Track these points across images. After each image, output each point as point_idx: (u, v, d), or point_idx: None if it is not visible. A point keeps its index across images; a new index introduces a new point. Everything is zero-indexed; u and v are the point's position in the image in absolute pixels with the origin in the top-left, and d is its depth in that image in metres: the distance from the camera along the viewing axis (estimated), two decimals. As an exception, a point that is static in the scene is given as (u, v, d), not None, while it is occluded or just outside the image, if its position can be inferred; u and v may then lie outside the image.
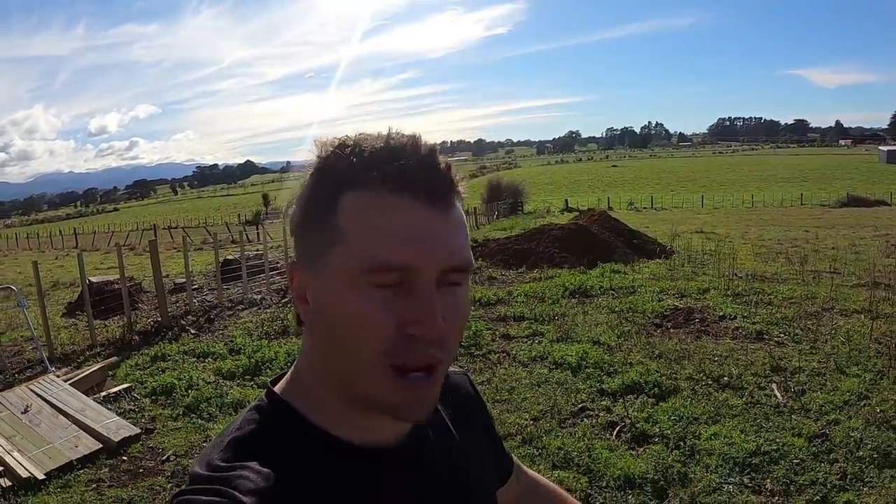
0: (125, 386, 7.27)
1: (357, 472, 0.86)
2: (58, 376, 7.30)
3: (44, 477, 5.17)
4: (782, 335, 8.26)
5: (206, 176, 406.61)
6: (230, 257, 15.88)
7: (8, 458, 5.34)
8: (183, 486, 0.80)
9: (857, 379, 6.55)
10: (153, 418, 6.45)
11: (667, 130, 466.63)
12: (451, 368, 0.95)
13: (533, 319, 9.54)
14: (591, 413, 6.10)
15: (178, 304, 12.13)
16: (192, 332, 10.01)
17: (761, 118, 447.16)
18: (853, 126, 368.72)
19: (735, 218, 37.78)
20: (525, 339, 8.59)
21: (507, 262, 15.72)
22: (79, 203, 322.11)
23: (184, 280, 13.69)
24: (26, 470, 5.20)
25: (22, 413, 6.23)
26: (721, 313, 9.34)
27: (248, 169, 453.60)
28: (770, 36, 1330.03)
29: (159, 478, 5.23)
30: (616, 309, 10.01)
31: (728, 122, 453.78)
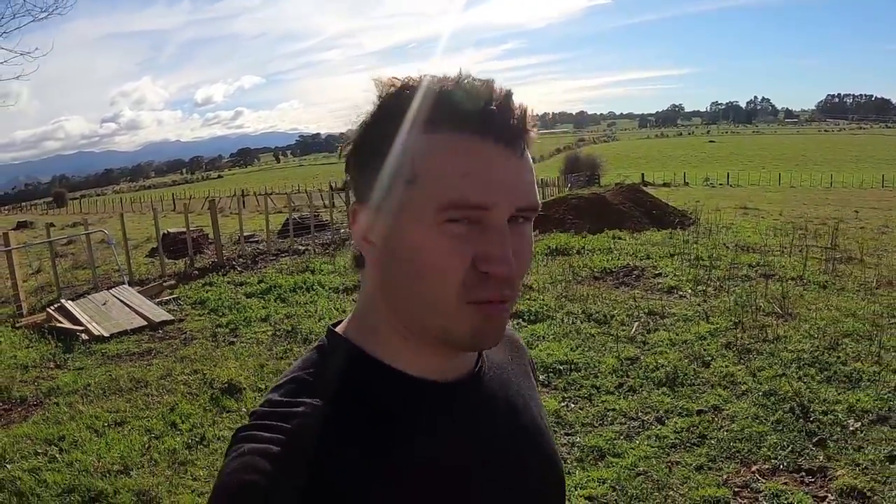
0: (174, 296, 10.36)
1: (419, 405, 0.88)
2: (127, 286, 10.46)
3: (108, 335, 8.17)
4: (691, 291, 9.34)
5: (309, 145, 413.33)
6: (295, 216, 19.02)
7: (90, 326, 8.37)
8: (246, 423, 0.82)
9: (711, 326, 7.57)
10: (187, 315, 9.36)
11: (773, 106, 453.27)
12: None
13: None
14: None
15: (236, 251, 15.24)
16: (239, 269, 13.00)
17: (872, 96, 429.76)
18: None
19: (800, 197, 38.02)
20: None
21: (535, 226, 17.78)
22: (184, 170, 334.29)
23: (249, 233, 17.16)
24: (99, 330, 8.23)
25: (102, 305, 9.30)
26: (660, 272, 10.58)
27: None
28: (886, 7, 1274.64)
29: (176, 340, 8.09)
30: (574, 264, 11.45)
31: (837, 99, 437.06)
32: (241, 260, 13.92)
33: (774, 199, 33.54)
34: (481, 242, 0.79)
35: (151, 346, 7.85)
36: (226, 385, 6.11)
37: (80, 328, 8.39)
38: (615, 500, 4.28)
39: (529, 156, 0.84)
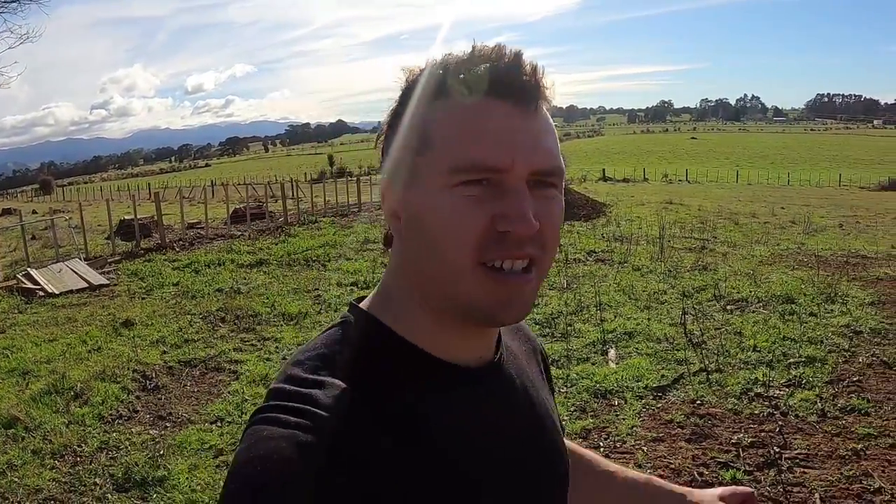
0: (115, 268, 13.48)
1: (442, 387, 0.88)
2: (80, 260, 13.57)
3: (59, 293, 11.23)
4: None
5: (298, 134, 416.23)
6: (238, 206, 22.25)
7: (46, 286, 11.49)
8: (263, 403, 0.81)
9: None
10: (121, 281, 12.40)
11: (763, 104, 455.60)
12: None
13: (381, 241, 14.94)
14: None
15: (179, 235, 18.26)
16: (177, 249, 16.00)
17: (861, 96, 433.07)
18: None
19: (745, 194, 39.79)
20: (362, 251, 14.10)
21: None
22: (173, 158, 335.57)
23: (196, 221, 20.26)
24: (52, 289, 11.32)
25: (58, 272, 12.44)
26: None
27: (340, 128, 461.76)
28: (879, 8, 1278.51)
29: (106, 297, 11.12)
30: None
31: (826, 99, 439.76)
32: (181, 242, 16.90)
33: (711, 196, 35.41)
34: (498, 204, 0.79)
35: (87, 299, 10.90)
36: (124, 320, 9.12)
37: (39, 288, 11.44)
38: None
39: (548, 116, 0.85)
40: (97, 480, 4.97)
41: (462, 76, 0.82)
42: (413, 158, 0.84)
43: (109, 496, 4.77)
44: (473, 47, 0.84)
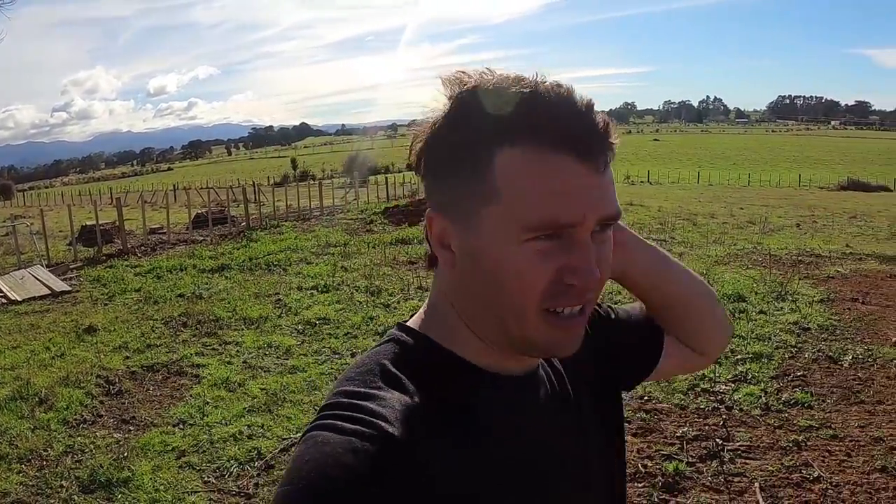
0: (77, 274, 13.54)
1: (492, 392, 0.91)
2: (42, 267, 13.61)
3: (21, 300, 11.27)
4: None
5: (261, 137, 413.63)
6: (200, 211, 22.32)
7: (8, 293, 11.52)
8: (318, 414, 0.82)
9: None
10: (83, 287, 12.47)
11: (725, 106, 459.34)
12: None
13: (342, 246, 15.05)
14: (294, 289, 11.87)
15: (141, 240, 18.29)
16: (139, 255, 16.07)
17: (822, 98, 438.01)
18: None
19: (706, 195, 40.50)
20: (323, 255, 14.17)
21: (400, 220, 20.13)
22: (135, 162, 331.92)
23: (157, 226, 20.28)
24: (14, 296, 11.36)
25: (20, 279, 12.48)
26: None
27: (303, 131, 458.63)
28: (839, 12, 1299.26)
29: (68, 304, 11.18)
30: (402, 251, 14.42)
31: (788, 101, 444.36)
32: (143, 248, 16.96)
33: (672, 197, 36.45)
34: (566, 256, 0.81)
35: (50, 306, 10.96)
36: (87, 327, 9.24)
37: (1, 295, 11.50)
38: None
39: (610, 167, 0.84)
40: (63, 483, 5.11)
41: (538, 125, 0.80)
42: (474, 204, 0.83)
43: (76, 497, 4.92)
44: (543, 86, 0.82)
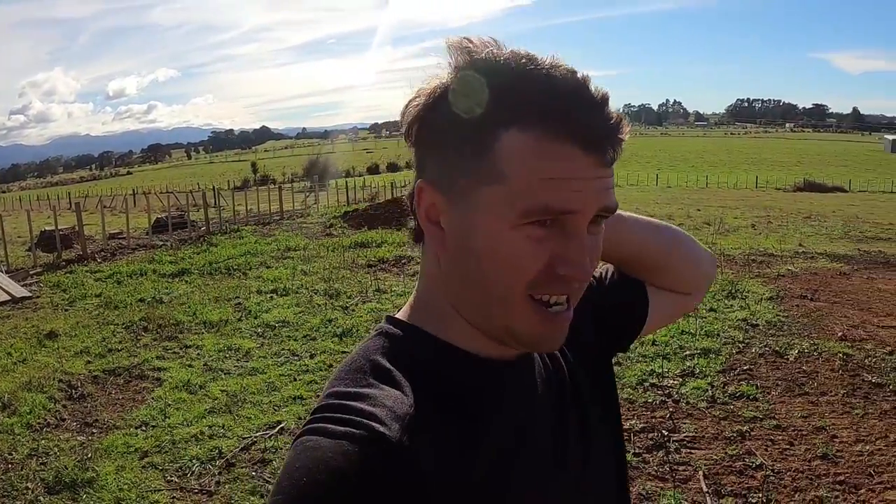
0: (37, 280, 13.55)
1: (493, 386, 0.89)
2: (1, 272, 13.60)
3: (-19, 307, 11.35)
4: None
5: (222, 141, 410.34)
6: (160, 216, 22.35)
7: (-32, 301, 11.57)
8: (309, 418, 0.80)
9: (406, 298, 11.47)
10: (43, 293, 12.49)
11: (685, 109, 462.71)
12: None
13: (302, 250, 15.21)
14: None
15: (101, 245, 18.27)
16: (99, 260, 16.07)
17: (780, 101, 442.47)
18: (873, 113, 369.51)
19: (663, 196, 41.51)
20: (283, 259, 14.37)
21: (359, 224, 20.36)
22: (93, 166, 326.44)
23: (117, 231, 20.24)
24: (-26, 303, 11.42)
25: (-22, 286, 12.50)
26: (419, 260, 14.29)
27: (264, 134, 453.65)
28: (798, 17, 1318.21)
29: (28, 309, 11.21)
30: (362, 255, 14.58)
31: (746, 104, 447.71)
32: (103, 253, 16.96)
33: (630, 198, 36.16)
34: (560, 246, 0.80)
35: (10, 312, 10.97)
36: (48, 332, 9.31)
37: (-39, 301, 11.52)
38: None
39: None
40: (29, 485, 5.22)
41: (545, 111, 0.78)
42: (472, 182, 0.81)
43: (41, 499, 5.04)
44: (557, 70, 0.80)
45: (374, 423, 0.76)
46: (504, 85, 0.79)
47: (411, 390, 0.82)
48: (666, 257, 1.20)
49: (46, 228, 18.74)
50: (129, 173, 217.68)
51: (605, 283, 1.20)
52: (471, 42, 0.83)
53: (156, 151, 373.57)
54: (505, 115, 0.79)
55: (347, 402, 0.79)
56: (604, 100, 0.80)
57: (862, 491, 4.72)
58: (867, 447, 5.29)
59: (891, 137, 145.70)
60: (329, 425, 0.76)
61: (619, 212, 1.07)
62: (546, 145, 0.78)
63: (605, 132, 0.79)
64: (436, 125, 0.84)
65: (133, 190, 56.74)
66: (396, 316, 0.96)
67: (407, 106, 0.86)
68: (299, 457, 0.75)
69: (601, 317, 1.15)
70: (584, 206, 0.79)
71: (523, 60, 0.80)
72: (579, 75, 0.80)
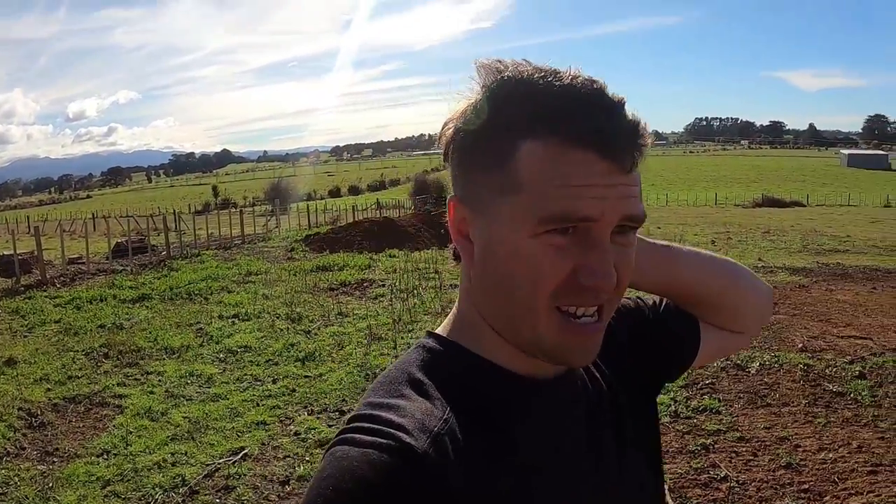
0: (-6, 306, 13.41)
1: (528, 403, 0.89)
2: (-43, 300, 13.43)
3: (-64, 334, 11.19)
4: (391, 298, 12.29)
5: (182, 164, 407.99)
6: (120, 240, 22.20)
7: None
8: (341, 427, 0.81)
9: (373, 321, 10.97)
10: (1, 319, 12.38)
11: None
12: None
13: (263, 274, 15.23)
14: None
15: (60, 270, 18.09)
16: (58, 286, 15.92)
17: (738, 119, 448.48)
18: (829, 129, 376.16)
19: None
20: (245, 283, 14.37)
21: (321, 247, 20.47)
22: (53, 189, 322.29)
23: (76, 256, 20.04)
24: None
25: (-67, 314, 12.32)
26: (382, 284, 13.56)
27: (225, 157, 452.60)
28: (754, 37, 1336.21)
29: (-11, 336, 11.20)
30: (323, 279, 14.59)
31: (705, 122, 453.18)
32: (62, 278, 16.79)
33: None
34: (582, 255, 0.79)
35: (-30, 340, 10.88)
36: (7, 359, 9.20)
37: (-85, 330, 11.35)
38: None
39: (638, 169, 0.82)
40: (-12, 516, 5.16)
41: (569, 120, 0.79)
42: (495, 194, 0.82)
43: (2, 529, 4.98)
44: (577, 81, 0.81)
45: (401, 434, 0.77)
46: (523, 97, 0.81)
47: (442, 403, 0.83)
48: (722, 297, 1.20)
49: (5, 253, 18.47)
50: (88, 196, 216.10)
51: (659, 311, 1.20)
52: (500, 62, 0.84)
53: (116, 174, 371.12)
54: (522, 126, 0.80)
55: (378, 413, 0.80)
56: (620, 104, 0.81)
57: (826, 498, 4.82)
58: (830, 455, 5.41)
59: (847, 152, 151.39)
60: (358, 435, 0.78)
61: (676, 245, 1.16)
62: (560, 152, 0.79)
63: (620, 136, 0.80)
64: (463, 142, 0.86)
65: (93, 214, 56.21)
66: (436, 331, 0.97)
67: (442, 129, 0.89)
68: (328, 466, 0.76)
69: (649, 342, 1.14)
70: (604, 213, 0.79)
71: (544, 74, 0.81)
72: (597, 82, 0.82)
